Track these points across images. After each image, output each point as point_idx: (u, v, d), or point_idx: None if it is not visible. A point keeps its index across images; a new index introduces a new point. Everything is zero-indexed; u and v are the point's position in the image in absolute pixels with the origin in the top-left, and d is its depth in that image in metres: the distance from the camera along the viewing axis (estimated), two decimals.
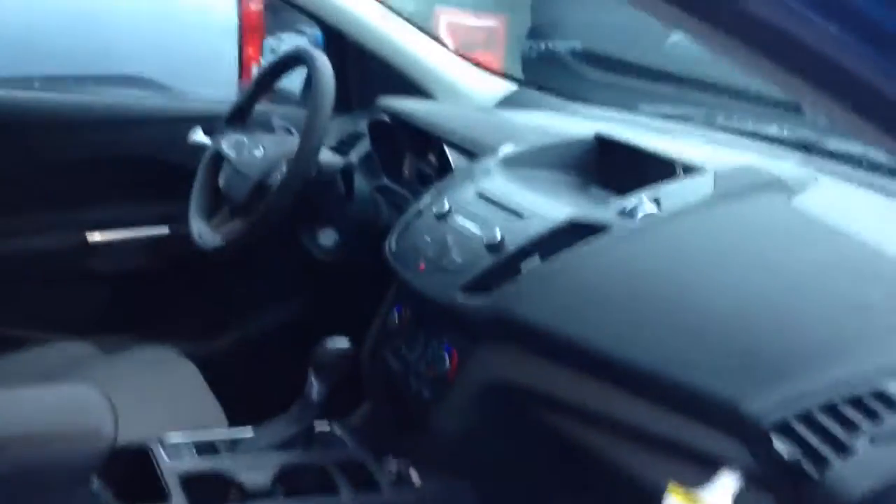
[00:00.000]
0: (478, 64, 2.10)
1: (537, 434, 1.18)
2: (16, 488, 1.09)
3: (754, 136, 1.60)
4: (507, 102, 1.98)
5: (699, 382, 0.97)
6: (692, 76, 1.98)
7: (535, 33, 2.85)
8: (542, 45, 2.60)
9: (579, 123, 1.71)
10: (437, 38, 2.11)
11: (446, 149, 1.57)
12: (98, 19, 2.66)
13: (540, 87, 2.05)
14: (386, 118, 1.76)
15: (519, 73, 2.96)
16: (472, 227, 1.31)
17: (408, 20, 2.05)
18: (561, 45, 2.53)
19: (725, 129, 1.72)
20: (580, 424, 1.11)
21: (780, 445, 0.87)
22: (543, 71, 2.34)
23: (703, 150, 1.58)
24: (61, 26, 2.55)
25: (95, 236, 1.93)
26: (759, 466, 0.91)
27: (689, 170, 1.32)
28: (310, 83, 1.62)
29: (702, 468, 0.97)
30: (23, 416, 1.15)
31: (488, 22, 3.42)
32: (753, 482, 0.93)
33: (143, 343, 1.78)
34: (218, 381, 1.65)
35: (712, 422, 0.96)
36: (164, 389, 1.62)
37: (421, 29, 2.08)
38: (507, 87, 2.03)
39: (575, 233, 1.19)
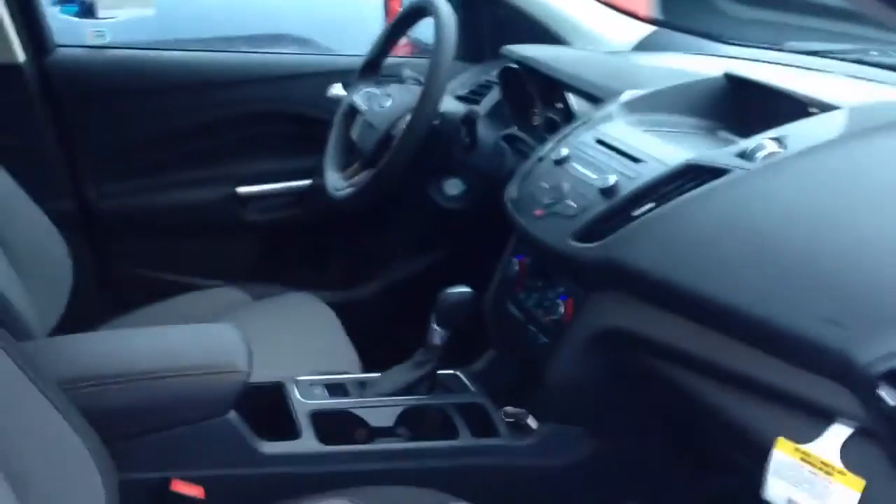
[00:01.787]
0: (615, 6, 2.05)
1: (647, 381, 1.17)
2: (158, 418, 1.19)
3: None
4: (644, 45, 1.93)
5: (810, 330, 0.93)
6: (844, 7, 1.83)
7: None
8: None
9: (714, 63, 1.63)
10: None
11: (569, 94, 1.56)
12: None
13: (680, 28, 1.97)
14: (515, 66, 1.76)
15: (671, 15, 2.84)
16: (588, 173, 1.30)
17: None
18: None
19: (879, 66, 1.59)
20: (689, 372, 1.09)
21: (886, 393, 0.82)
22: (685, 9, 2.23)
23: (848, 87, 1.48)
24: None
25: (244, 189, 2.04)
26: (868, 416, 0.87)
27: (823, 108, 1.24)
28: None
29: (811, 418, 0.93)
30: (166, 353, 1.25)
31: None
32: (863, 433, 0.89)
33: (288, 290, 1.88)
34: (356, 328, 1.73)
35: (823, 371, 0.92)
36: (305, 334, 1.72)
37: None
38: (646, 29, 1.97)
39: (692, 177, 1.16)
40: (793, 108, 1.28)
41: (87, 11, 1.98)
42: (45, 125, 1.93)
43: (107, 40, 1.96)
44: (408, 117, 1.54)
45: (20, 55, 1.88)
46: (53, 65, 1.93)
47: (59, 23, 2.04)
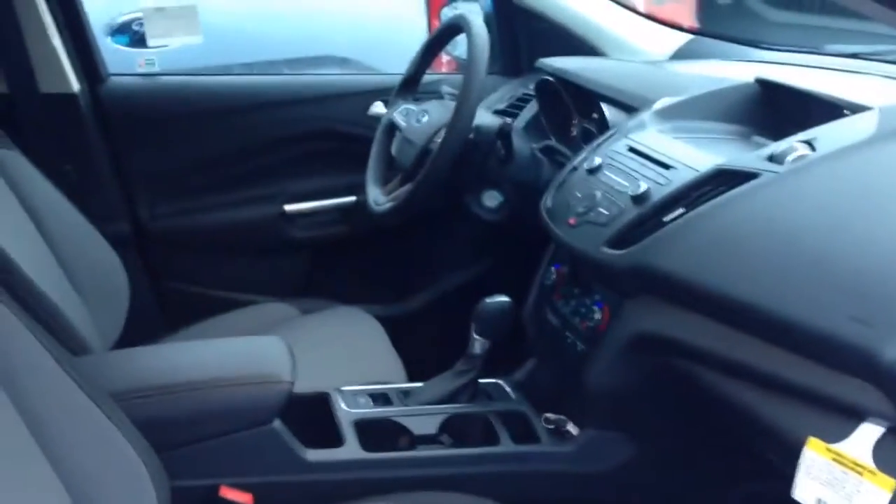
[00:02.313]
0: (651, 17, 2.06)
1: (681, 385, 1.17)
2: (206, 427, 1.24)
3: None
4: (680, 54, 1.94)
5: (838, 330, 0.93)
6: None
7: None
8: None
9: (749, 69, 1.64)
10: None
11: (603, 105, 1.57)
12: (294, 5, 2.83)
13: (716, 35, 1.98)
14: (551, 79, 1.78)
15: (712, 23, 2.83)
16: (620, 181, 1.32)
17: None
18: None
19: None
20: (721, 374, 1.10)
21: None
22: (725, 17, 2.23)
23: (886, 88, 1.47)
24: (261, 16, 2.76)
25: (291, 207, 2.10)
26: None
27: (855, 110, 1.24)
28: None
29: (842, 417, 0.94)
30: (213, 365, 1.29)
31: None
32: (894, 432, 0.89)
33: (336, 304, 1.93)
34: (403, 341, 1.77)
35: (851, 370, 0.92)
36: (352, 346, 1.76)
37: None
38: (682, 38, 1.98)
39: (722, 181, 1.17)
40: (827, 110, 1.28)
41: (138, 41, 2.06)
42: (99, 150, 2.01)
43: (157, 68, 2.04)
44: (444, 132, 1.57)
45: (75, 85, 1.96)
46: (107, 93, 2.01)
47: (111, 53, 2.13)
